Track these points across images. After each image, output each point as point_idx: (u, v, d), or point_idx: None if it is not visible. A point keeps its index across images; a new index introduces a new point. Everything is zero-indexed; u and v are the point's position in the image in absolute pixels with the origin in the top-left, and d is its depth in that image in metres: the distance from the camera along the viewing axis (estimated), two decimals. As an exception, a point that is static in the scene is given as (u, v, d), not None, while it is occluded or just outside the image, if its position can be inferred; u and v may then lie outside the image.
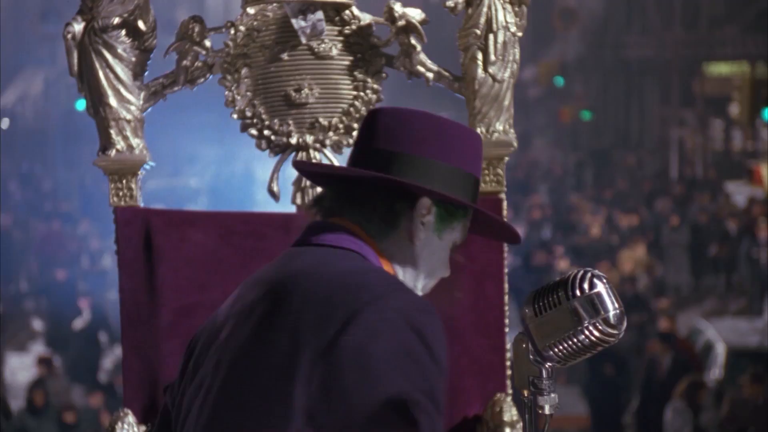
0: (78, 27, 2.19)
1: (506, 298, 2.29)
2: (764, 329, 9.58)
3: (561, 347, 1.52)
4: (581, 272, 1.52)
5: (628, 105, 24.75)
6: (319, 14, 2.26)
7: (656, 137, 23.07)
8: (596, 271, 1.52)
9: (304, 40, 2.27)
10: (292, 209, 2.33)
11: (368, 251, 1.66)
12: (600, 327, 1.50)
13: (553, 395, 1.56)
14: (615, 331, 1.51)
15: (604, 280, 1.52)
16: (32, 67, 22.66)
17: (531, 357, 1.55)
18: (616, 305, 1.50)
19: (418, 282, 1.71)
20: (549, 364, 1.55)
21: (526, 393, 1.57)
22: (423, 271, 1.71)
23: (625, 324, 1.52)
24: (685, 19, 22.36)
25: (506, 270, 2.29)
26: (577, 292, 1.50)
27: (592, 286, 1.50)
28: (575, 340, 1.51)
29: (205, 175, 18.93)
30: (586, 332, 1.50)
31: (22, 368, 9.66)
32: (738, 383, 7.62)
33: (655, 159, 21.84)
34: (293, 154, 2.31)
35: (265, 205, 2.37)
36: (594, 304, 1.49)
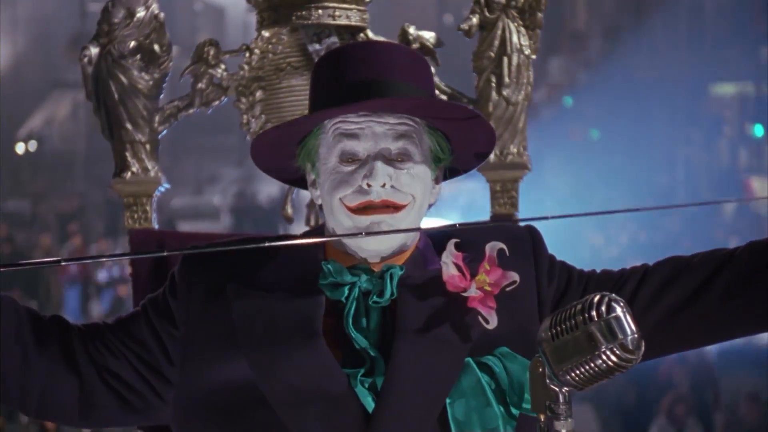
0: (94, 51, 2.15)
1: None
2: None
3: (578, 372, 1.44)
4: (598, 296, 1.44)
5: (635, 124, 24.71)
6: (334, 38, 2.22)
7: (665, 155, 23.02)
8: (614, 295, 1.45)
9: (317, 63, 2.22)
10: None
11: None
12: (617, 352, 1.42)
13: (569, 420, 1.49)
14: (633, 356, 1.43)
15: (622, 304, 1.44)
16: (59, 91, 22.82)
17: (547, 381, 1.47)
18: (634, 329, 1.43)
19: (337, 229, 1.64)
20: (566, 388, 1.47)
21: (542, 417, 1.49)
22: (328, 215, 1.65)
23: (643, 348, 1.45)
24: (691, 41, 22.36)
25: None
26: (595, 316, 1.43)
27: (609, 310, 1.43)
28: (592, 365, 1.43)
29: (227, 194, 19.01)
30: (603, 357, 1.43)
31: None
32: (734, 403, 7.58)
33: (663, 176, 21.78)
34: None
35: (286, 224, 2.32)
36: (611, 329, 1.42)
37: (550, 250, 1.77)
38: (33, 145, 22.99)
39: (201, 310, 1.65)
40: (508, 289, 1.64)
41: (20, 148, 22.81)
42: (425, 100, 1.64)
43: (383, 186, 1.59)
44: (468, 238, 1.66)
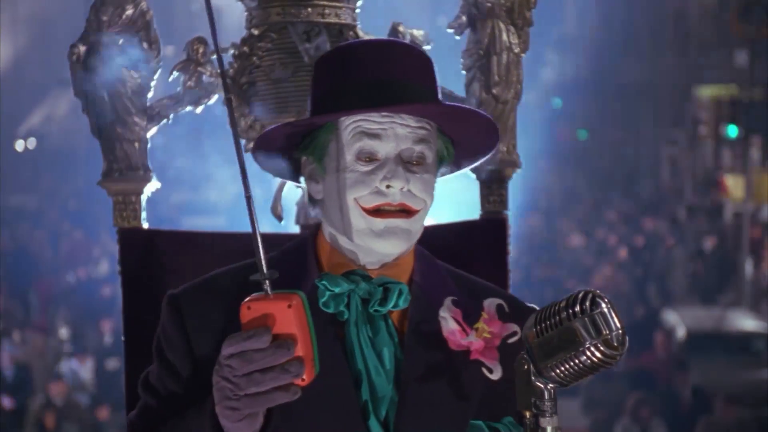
0: (83, 48, 2.09)
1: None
2: (718, 316, 10.83)
3: (563, 368, 1.42)
4: (583, 292, 1.42)
5: (623, 125, 24.78)
6: (323, 36, 2.18)
7: (650, 156, 23.09)
8: (598, 291, 1.43)
9: (307, 60, 2.18)
10: (297, 230, 2.25)
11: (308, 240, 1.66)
12: (601, 348, 1.40)
13: (555, 417, 1.46)
14: (617, 352, 1.41)
15: (607, 300, 1.42)
16: (58, 89, 22.72)
17: (533, 378, 1.45)
18: (618, 325, 1.41)
19: (345, 228, 1.57)
20: (551, 385, 1.45)
21: (528, 414, 1.47)
22: (335, 214, 1.58)
23: (626, 345, 1.42)
24: (676, 45, 22.42)
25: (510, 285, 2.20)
26: (579, 312, 1.40)
27: (594, 305, 1.40)
28: (577, 361, 1.41)
29: (224, 191, 18.97)
30: (588, 353, 1.40)
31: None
32: (711, 407, 7.60)
33: (649, 176, 21.84)
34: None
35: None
36: (596, 325, 1.40)
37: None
38: (32, 143, 22.93)
39: (208, 355, 1.57)
40: (510, 341, 1.61)
41: (20, 145, 22.77)
42: (459, 107, 1.63)
43: (401, 189, 1.55)
44: (473, 294, 1.65)
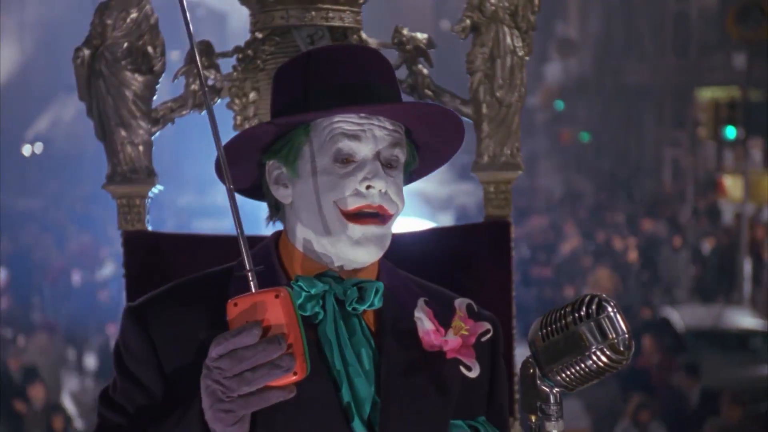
0: (87, 52, 2.08)
1: (514, 321, 2.17)
2: (716, 313, 10.82)
3: (568, 372, 1.41)
4: (589, 297, 1.41)
5: (625, 127, 24.78)
6: (327, 39, 2.16)
7: (652, 157, 23.08)
8: (604, 296, 1.41)
9: (311, 64, 2.17)
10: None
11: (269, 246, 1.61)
12: (607, 352, 1.38)
13: (560, 421, 1.45)
14: (623, 357, 1.40)
15: (613, 304, 1.40)
16: (64, 93, 22.77)
17: (538, 382, 1.44)
18: (624, 330, 1.39)
19: (323, 230, 1.54)
20: (557, 389, 1.44)
21: (533, 418, 1.46)
22: (310, 218, 1.55)
23: (633, 349, 1.41)
24: (677, 48, 22.42)
25: (513, 294, 2.18)
26: (585, 317, 1.39)
27: (600, 310, 1.39)
28: (583, 365, 1.40)
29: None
30: (594, 358, 1.39)
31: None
32: (717, 406, 7.58)
33: (651, 178, 21.82)
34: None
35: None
36: (602, 329, 1.38)
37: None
38: (39, 147, 23.00)
39: (177, 366, 1.54)
40: (483, 339, 1.59)
41: (27, 150, 22.85)
42: (449, 111, 1.61)
43: (380, 191, 1.53)
44: (436, 298, 1.63)
